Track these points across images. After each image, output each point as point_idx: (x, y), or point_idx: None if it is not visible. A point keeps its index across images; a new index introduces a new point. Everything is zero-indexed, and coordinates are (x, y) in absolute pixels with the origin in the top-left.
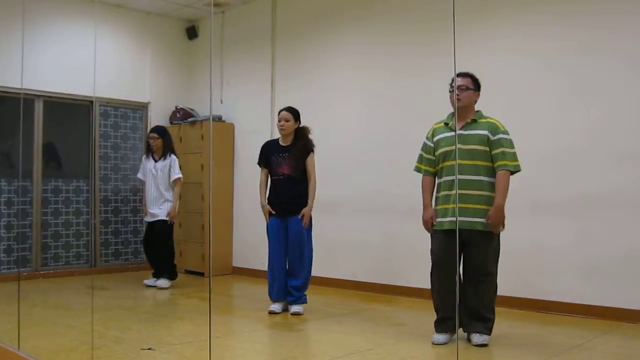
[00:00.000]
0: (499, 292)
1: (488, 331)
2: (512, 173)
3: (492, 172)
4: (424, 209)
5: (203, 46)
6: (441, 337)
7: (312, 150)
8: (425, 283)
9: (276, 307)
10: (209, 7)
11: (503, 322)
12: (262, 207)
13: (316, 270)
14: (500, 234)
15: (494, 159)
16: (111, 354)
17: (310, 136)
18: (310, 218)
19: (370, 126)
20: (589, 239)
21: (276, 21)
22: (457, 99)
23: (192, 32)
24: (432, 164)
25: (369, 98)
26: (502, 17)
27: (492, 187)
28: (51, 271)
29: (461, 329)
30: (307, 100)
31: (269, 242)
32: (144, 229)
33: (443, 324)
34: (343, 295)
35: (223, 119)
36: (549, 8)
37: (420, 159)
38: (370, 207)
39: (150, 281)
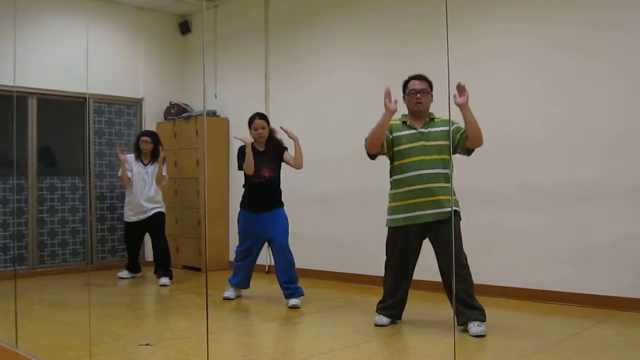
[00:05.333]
0: (495, 283)
1: (484, 318)
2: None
3: (447, 164)
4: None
5: (196, 41)
6: (385, 320)
7: (286, 149)
8: (422, 275)
9: (230, 293)
10: (201, 1)
11: (498, 312)
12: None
13: (313, 264)
14: (491, 222)
15: (461, 135)
16: (109, 350)
17: (278, 136)
18: (283, 210)
19: (364, 119)
20: (582, 228)
21: (269, 15)
22: (419, 103)
23: (185, 27)
24: (386, 139)
25: (363, 91)
26: (493, 13)
27: (448, 178)
28: (48, 269)
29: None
30: (301, 94)
31: (243, 235)
32: (127, 227)
33: (388, 310)
34: (340, 288)
35: (217, 113)
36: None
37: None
38: (366, 201)
39: (124, 273)
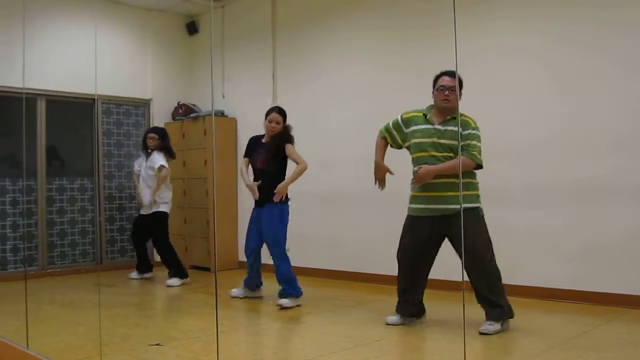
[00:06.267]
0: (503, 281)
1: (501, 318)
2: (477, 167)
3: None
4: (376, 165)
5: (204, 41)
6: (394, 319)
7: (289, 142)
8: (432, 274)
9: (238, 291)
10: (208, 2)
11: None
12: (248, 186)
13: (321, 263)
14: (499, 221)
15: (462, 150)
16: (119, 350)
17: (292, 133)
18: (285, 207)
19: (371, 118)
20: (591, 225)
21: (277, 14)
22: (447, 100)
23: (192, 28)
24: (394, 140)
25: (370, 90)
26: (499, 10)
27: (464, 175)
28: (58, 269)
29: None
30: (308, 93)
31: (247, 232)
32: (134, 221)
33: (400, 308)
34: (349, 287)
35: (225, 113)
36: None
37: (388, 131)
38: (373, 199)
39: (134, 274)
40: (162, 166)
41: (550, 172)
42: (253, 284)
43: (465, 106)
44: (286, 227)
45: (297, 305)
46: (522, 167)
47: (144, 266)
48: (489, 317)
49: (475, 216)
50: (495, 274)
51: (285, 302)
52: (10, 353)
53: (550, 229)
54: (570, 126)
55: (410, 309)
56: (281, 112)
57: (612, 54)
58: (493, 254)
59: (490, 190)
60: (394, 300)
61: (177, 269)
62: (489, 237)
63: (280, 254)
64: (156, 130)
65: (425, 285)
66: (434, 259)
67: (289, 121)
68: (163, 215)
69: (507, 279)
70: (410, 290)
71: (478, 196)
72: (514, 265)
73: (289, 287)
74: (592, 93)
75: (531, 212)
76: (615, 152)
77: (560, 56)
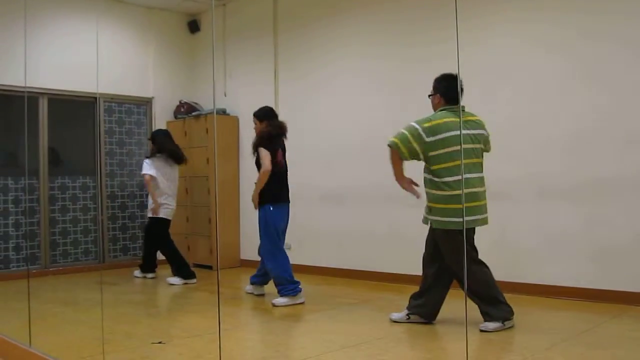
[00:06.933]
0: (508, 279)
1: (492, 318)
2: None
3: (428, 170)
4: (401, 179)
5: (205, 40)
6: (395, 315)
7: (260, 146)
8: None
9: (248, 287)
10: (210, 0)
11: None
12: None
13: (324, 261)
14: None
15: None
16: (121, 348)
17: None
18: (263, 209)
19: (373, 116)
20: (596, 223)
21: (278, 12)
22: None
23: (194, 26)
24: (413, 153)
25: (372, 87)
26: (505, 2)
27: (431, 184)
28: (60, 268)
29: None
30: (310, 90)
31: None
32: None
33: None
34: (352, 285)
35: (227, 112)
36: None
37: (406, 141)
38: (376, 197)
39: (137, 272)
40: (143, 174)
41: (559, 170)
42: (259, 280)
43: (474, 101)
44: (270, 229)
45: (300, 303)
46: (532, 165)
47: (147, 266)
48: (486, 317)
49: (437, 230)
50: (474, 285)
51: (277, 301)
52: (13, 351)
53: (555, 226)
54: (582, 124)
55: (418, 307)
56: (254, 114)
57: (627, 48)
58: (462, 267)
59: (498, 186)
60: (397, 298)
61: (180, 269)
62: (453, 251)
63: (266, 256)
64: (151, 135)
65: (440, 295)
66: (444, 268)
67: (290, 118)
68: (158, 222)
69: (511, 276)
70: (423, 289)
71: (443, 210)
72: (517, 263)
73: (282, 288)
74: (606, 91)
75: (536, 209)
76: (626, 149)
77: (573, 52)
